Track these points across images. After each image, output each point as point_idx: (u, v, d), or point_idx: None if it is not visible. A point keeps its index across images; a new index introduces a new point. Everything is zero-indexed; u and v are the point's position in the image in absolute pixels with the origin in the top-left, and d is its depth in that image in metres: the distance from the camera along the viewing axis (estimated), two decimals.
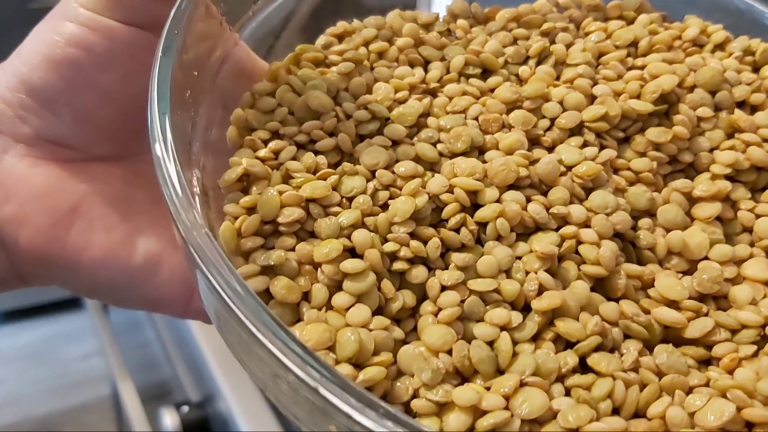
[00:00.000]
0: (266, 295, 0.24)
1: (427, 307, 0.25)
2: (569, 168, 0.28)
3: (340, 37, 0.33)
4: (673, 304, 0.25)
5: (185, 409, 0.83)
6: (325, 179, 0.27)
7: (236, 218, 0.25)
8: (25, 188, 0.29)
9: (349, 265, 0.24)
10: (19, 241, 0.28)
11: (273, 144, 0.27)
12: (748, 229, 0.28)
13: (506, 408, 0.22)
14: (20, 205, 0.28)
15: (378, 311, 0.24)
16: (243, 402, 0.71)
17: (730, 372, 0.24)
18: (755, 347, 0.24)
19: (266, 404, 0.70)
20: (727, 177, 0.29)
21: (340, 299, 0.24)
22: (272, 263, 0.24)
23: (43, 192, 0.29)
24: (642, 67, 0.32)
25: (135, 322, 1.14)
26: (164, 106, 0.24)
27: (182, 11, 0.26)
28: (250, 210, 0.26)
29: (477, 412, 0.22)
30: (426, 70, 0.32)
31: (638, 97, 0.30)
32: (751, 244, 0.28)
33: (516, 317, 0.24)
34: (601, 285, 0.26)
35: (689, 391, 0.23)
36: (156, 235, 0.30)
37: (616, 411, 0.23)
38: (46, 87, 0.28)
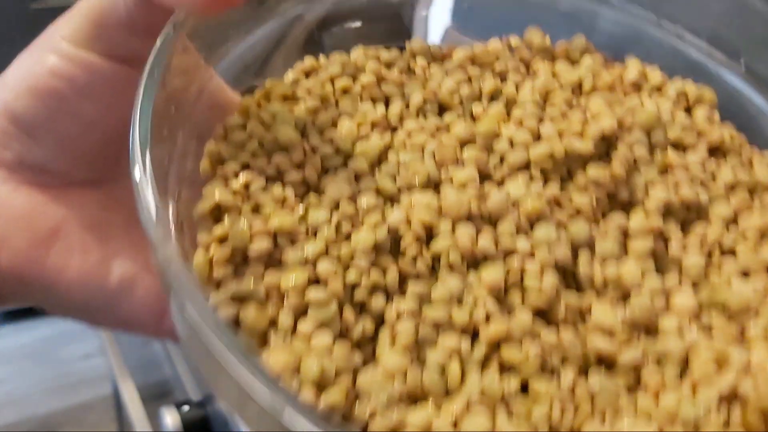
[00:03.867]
0: (235, 322, 0.26)
1: (385, 333, 0.27)
2: (516, 203, 0.31)
3: (308, 73, 0.35)
4: (608, 331, 0.28)
5: (186, 408, 0.83)
6: (292, 211, 0.29)
7: (208, 247, 0.27)
8: (5, 211, 0.30)
9: (313, 294, 0.26)
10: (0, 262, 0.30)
11: (243, 176, 0.30)
12: (677, 263, 0.31)
13: (455, 429, 0.24)
14: (1, 227, 0.30)
15: (340, 337, 0.26)
16: None
17: (657, 397, 0.26)
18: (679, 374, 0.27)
19: None
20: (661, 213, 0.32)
21: (304, 326, 0.26)
22: (239, 293, 0.26)
23: (24, 215, 0.30)
24: (585, 108, 0.34)
25: None
26: (145, 144, 0.25)
27: (162, 50, 0.28)
28: (222, 239, 0.28)
29: None
30: (387, 106, 0.34)
31: (581, 136, 0.33)
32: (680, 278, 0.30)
33: (465, 344, 0.26)
34: (542, 313, 0.28)
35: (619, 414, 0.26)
36: (130, 258, 0.32)
37: None
38: (28, 115, 0.30)
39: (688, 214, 0.32)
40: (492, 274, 0.28)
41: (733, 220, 0.32)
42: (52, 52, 0.30)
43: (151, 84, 0.27)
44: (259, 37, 0.36)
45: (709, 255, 0.31)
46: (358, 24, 0.39)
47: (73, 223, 0.31)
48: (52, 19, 0.31)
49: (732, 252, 0.31)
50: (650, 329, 0.28)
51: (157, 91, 0.27)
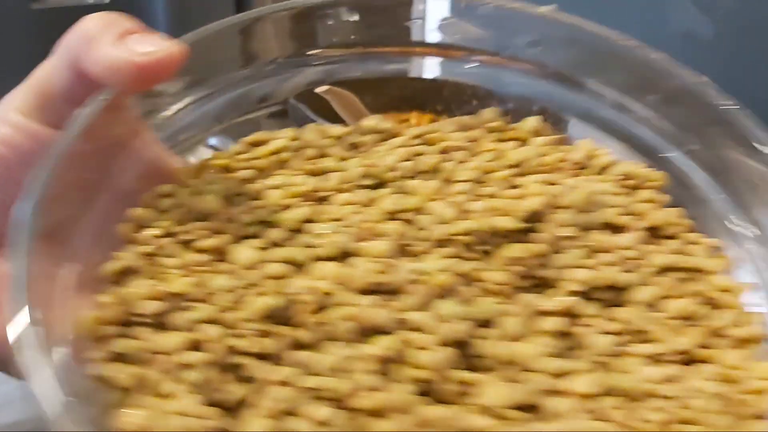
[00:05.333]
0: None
1: (258, 400, 0.27)
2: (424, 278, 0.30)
3: (257, 145, 0.36)
4: (493, 411, 0.27)
5: None
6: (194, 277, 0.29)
7: (103, 307, 0.28)
8: None
9: (187, 357, 0.26)
10: None
11: (156, 242, 0.30)
12: (585, 347, 0.29)
13: None
14: None
15: (214, 402, 0.26)
16: None
17: None
18: None
19: None
20: (582, 295, 0.31)
21: (170, 387, 0.26)
22: (118, 351, 0.27)
23: None
24: (521, 187, 0.34)
25: None
26: (32, 206, 0.27)
27: (84, 116, 0.30)
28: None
29: None
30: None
31: (507, 214, 0.32)
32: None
33: (335, 415, 0.26)
34: (432, 390, 0.28)
35: None
36: None
37: None
38: None
39: (616, 297, 0.31)
40: (380, 346, 0.28)
41: (656, 304, 0.31)
42: (3, 123, 0.32)
43: (58, 149, 0.29)
44: None
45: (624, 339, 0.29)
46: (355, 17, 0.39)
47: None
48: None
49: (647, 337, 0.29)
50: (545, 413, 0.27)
51: (66, 155, 0.28)
